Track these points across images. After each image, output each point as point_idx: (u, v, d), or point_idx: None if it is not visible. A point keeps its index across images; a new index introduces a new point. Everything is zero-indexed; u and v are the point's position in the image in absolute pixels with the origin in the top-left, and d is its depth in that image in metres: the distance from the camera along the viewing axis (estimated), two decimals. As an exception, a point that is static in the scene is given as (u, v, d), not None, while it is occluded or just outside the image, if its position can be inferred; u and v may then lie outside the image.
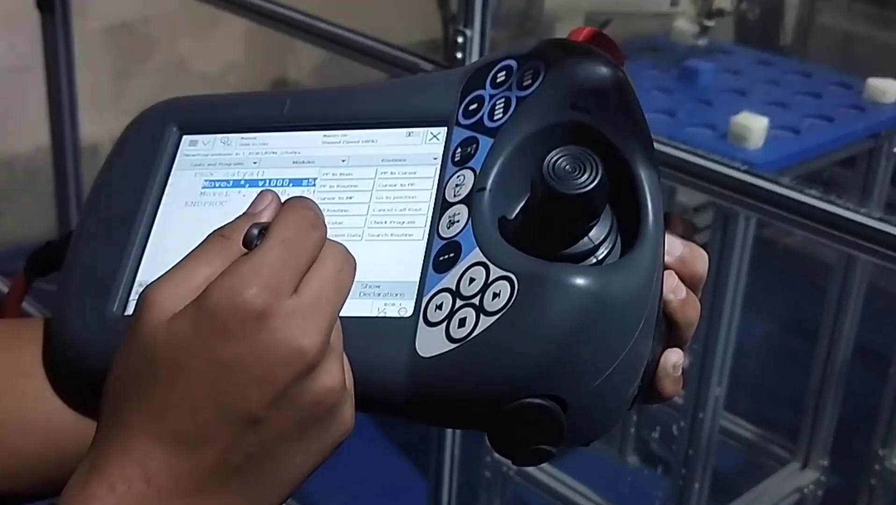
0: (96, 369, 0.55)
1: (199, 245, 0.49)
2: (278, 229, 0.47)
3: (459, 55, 1.48)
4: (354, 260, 0.50)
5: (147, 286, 0.47)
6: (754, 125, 1.62)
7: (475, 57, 1.48)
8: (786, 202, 1.32)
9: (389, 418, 0.52)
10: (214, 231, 0.49)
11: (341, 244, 0.49)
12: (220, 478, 0.45)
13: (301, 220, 0.48)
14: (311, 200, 0.50)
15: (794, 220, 1.33)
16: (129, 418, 0.46)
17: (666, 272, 0.52)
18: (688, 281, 0.53)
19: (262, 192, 0.51)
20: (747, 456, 2.30)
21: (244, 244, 0.47)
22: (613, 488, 2.15)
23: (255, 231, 0.47)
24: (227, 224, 0.49)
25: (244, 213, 0.50)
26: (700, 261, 0.53)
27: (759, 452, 2.28)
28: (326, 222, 0.50)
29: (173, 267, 0.48)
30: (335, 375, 0.46)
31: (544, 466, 2.10)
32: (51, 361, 0.57)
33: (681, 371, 0.53)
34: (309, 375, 0.45)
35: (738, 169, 1.35)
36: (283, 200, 0.50)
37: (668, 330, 0.53)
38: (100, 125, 2.78)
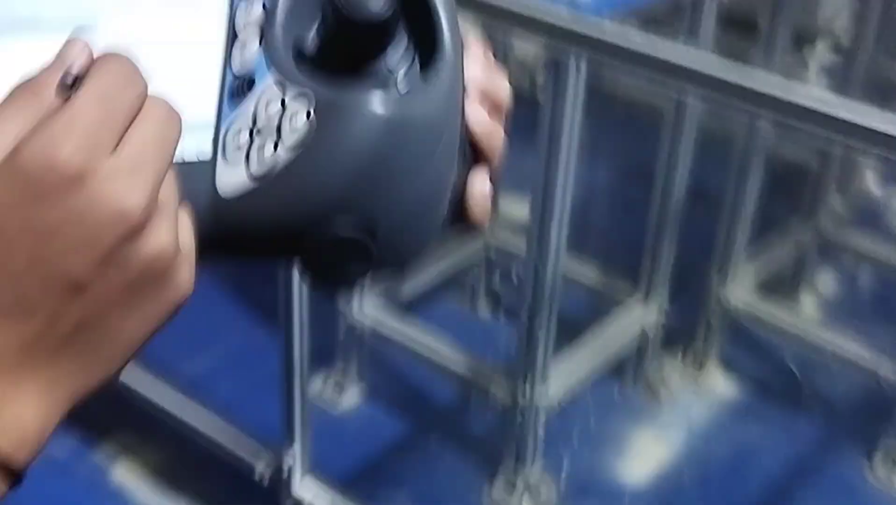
0: None
1: (3, 100, 0.45)
2: (93, 83, 0.44)
3: None
4: (179, 115, 0.47)
5: None
6: (581, -27, 1.64)
7: None
8: (614, 46, 1.35)
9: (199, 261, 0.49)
10: (20, 83, 0.45)
11: (164, 99, 0.46)
12: (48, 349, 0.43)
13: (118, 75, 0.45)
14: (128, 57, 0.46)
15: (623, 64, 1.36)
16: None
17: (468, 99, 0.52)
18: (490, 108, 0.53)
19: (71, 39, 0.47)
20: (591, 298, 2.39)
21: (58, 91, 0.44)
22: (466, 340, 2.22)
23: (69, 81, 0.44)
24: (35, 76, 0.45)
25: (52, 63, 0.46)
26: (502, 90, 0.54)
27: (602, 294, 2.38)
28: None
29: None
30: (164, 236, 0.44)
31: (398, 323, 2.15)
32: None
33: (489, 198, 0.54)
34: (135, 238, 0.43)
35: (565, 15, 1.37)
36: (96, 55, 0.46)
37: (474, 157, 0.54)
38: None
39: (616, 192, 2.89)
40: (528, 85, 2.74)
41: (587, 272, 2.39)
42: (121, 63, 0.46)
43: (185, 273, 0.45)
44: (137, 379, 1.94)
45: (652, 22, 2.35)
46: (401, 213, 0.49)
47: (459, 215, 0.54)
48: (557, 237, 1.83)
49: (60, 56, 0.46)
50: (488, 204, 0.54)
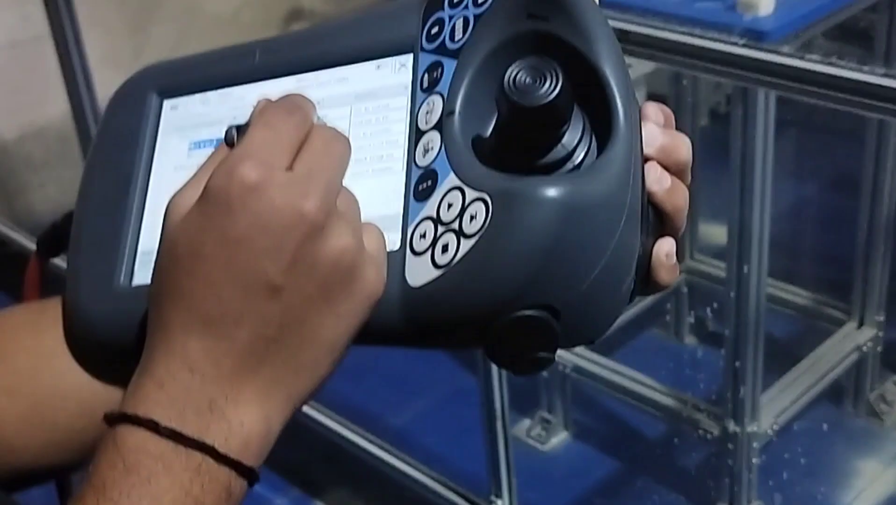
0: (112, 341, 0.57)
1: (207, 159, 0.51)
2: (259, 115, 0.50)
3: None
4: (346, 137, 0.51)
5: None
6: (761, -10, 1.59)
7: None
8: (802, 75, 1.28)
9: (388, 347, 0.53)
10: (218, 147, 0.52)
11: (329, 126, 0.51)
12: (259, 353, 0.47)
13: (282, 105, 0.50)
14: (295, 94, 0.52)
15: (817, 93, 1.29)
16: (165, 316, 0.48)
17: (649, 164, 0.52)
18: (672, 169, 0.53)
19: (258, 102, 0.52)
20: (802, 322, 2.30)
21: (226, 141, 0.50)
22: (673, 372, 2.18)
23: (234, 130, 0.50)
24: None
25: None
26: (683, 148, 0.53)
27: (813, 317, 2.29)
28: None
29: (187, 181, 0.51)
30: (345, 236, 0.48)
31: (602, 358, 2.13)
32: (69, 338, 0.60)
33: (675, 259, 0.54)
34: (317, 237, 0.47)
35: (743, 45, 1.31)
36: None
37: (658, 220, 0.53)
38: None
39: (819, 206, 2.77)
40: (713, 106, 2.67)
41: (796, 295, 2.30)
42: (285, 100, 0.51)
43: (373, 271, 0.49)
44: (348, 432, 1.99)
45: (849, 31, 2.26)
46: (585, 292, 0.49)
47: (646, 278, 0.54)
48: (758, 262, 1.78)
49: (249, 118, 0.52)
50: (675, 265, 0.54)
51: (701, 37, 1.31)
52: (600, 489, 2.08)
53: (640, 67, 2.41)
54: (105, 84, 2.21)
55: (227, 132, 0.50)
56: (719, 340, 2.10)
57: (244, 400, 0.48)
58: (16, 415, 0.60)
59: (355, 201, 0.50)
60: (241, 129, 0.50)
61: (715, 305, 2.30)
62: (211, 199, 0.47)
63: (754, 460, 1.92)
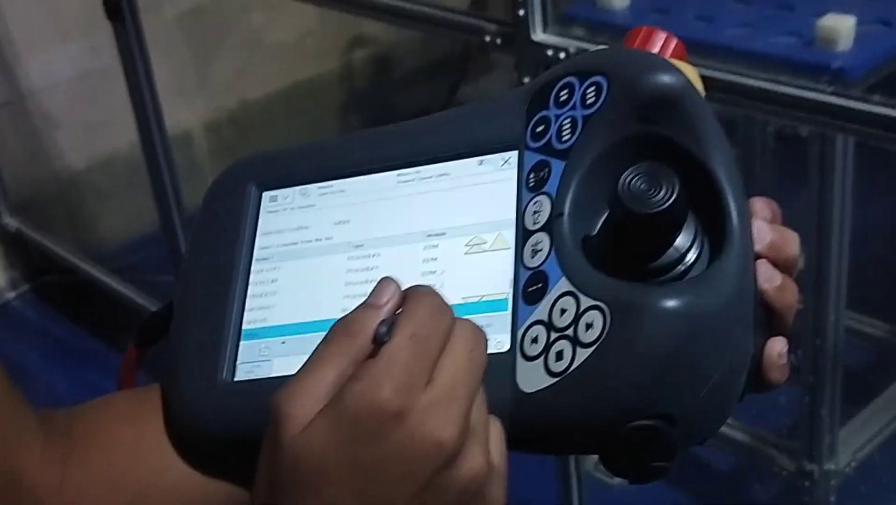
0: (214, 436, 0.57)
1: (322, 344, 0.48)
2: (406, 324, 0.47)
3: (521, 12, 1.47)
4: (485, 335, 0.49)
5: (277, 395, 0.47)
6: (841, 26, 1.56)
7: (537, 13, 1.47)
8: (884, 121, 1.26)
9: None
10: (336, 326, 0.48)
11: (470, 321, 0.49)
12: None
13: (427, 311, 0.48)
14: (433, 288, 0.49)
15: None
16: None
17: (759, 262, 0.52)
18: (781, 265, 0.52)
19: (382, 280, 0.50)
20: (881, 354, 2.26)
21: (374, 342, 0.47)
22: (746, 407, 2.14)
23: (384, 329, 0.47)
24: (349, 318, 0.49)
25: (365, 304, 0.49)
26: (791, 243, 0.53)
27: (893, 349, 2.24)
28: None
29: (300, 371, 0.48)
30: (477, 460, 0.46)
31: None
32: (170, 432, 0.59)
33: (786, 358, 0.53)
34: (451, 466, 0.46)
35: (823, 91, 1.29)
36: (403, 290, 0.49)
37: (768, 318, 0.53)
38: (189, 112, 2.83)
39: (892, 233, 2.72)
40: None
41: (874, 327, 2.26)
42: (429, 298, 0.48)
43: (498, 489, 0.48)
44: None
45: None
46: (701, 400, 0.49)
47: (756, 377, 0.53)
48: (836, 294, 1.75)
49: (374, 295, 0.49)
50: (786, 365, 0.53)
51: (788, 84, 1.29)
52: (672, 527, 2.06)
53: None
54: (171, 112, 2.23)
55: (377, 330, 0.47)
56: (795, 374, 2.07)
57: None
58: None
59: (485, 408, 0.48)
60: (389, 331, 0.47)
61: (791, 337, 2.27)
62: (346, 422, 0.45)
63: (832, 498, 1.89)
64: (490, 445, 0.48)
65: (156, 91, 2.11)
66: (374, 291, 0.49)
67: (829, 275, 1.72)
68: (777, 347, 0.52)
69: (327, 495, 0.46)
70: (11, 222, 2.82)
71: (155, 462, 0.60)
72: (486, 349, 0.49)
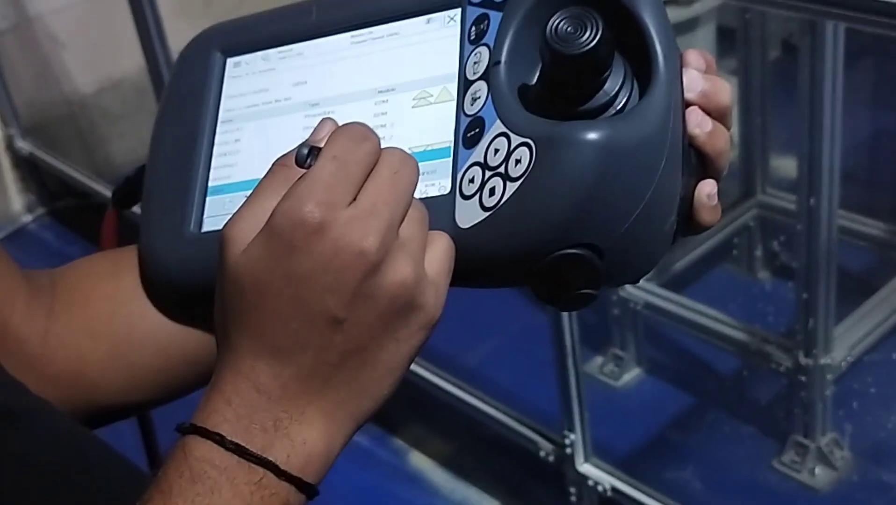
0: (184, 285, 0.61)
1: (263, 177, 0.53)
2: (328, 148, 0.51)
3: None
4: (414, 159, 0.53)
5: (224, 225, 0.52)
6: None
7: None
8: (870, 5, 1.26)
9: None
10: (276, 161, 0.53)
11: (398, 149, 0.53)
12: (321, 377, 0.50)
13: (349, 136, 0.52)
14: (362, 123, 0.53)
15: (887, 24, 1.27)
16: (233, 341, 0.51)
17: (690, 108, 0.54)
18: (713, 113, 0.55)
19: (322, 120, 0.54)
20: (877, 254, 2.28)
21: (297, 163, 0.51)
22: (744, 306, 2.17)
23: (305, 151, 0.51)
24: (288, 154, 0.53)
25: (304, 141, 0.53)
26: (723, 92, 0.55)
27: (888, 249, 2.26)
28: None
29: (244, 202, 0.52)
30: (403, 270, 0.50)
31: (673, 294, 2.13)
32: (145, 283, 0.64)
33: (716, 200, 0.56)
34: (376, 273, 0.49)
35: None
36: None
37: (701, 163, 0.55)
38: (193, 34, 2.84)
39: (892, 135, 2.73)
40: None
41: (870, 226, 2.28)
42: (353, 127, 0.52)
43: (431, 298, 0.51)
44: (424, 372, 2.03)
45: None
46: (627, 231, 0.52)
47: (688, 220, 0.56)
48: (829, 193, 1.76)
49: (314, 133, 0.54)
50: (717, 207, 0.56)
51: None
52: (673, 424, 2.10)
53: (709, 1, 2.39)
54: (176, 36, 2.25)
55: (298, 152, 0.52)
56: (792, 274, 2.10)
57: (307, 420, 0.50)
58: (98, 356, 0.64)
59: (422, 222, 0.52)
60: (311, 152, 0.51)
61: (786, 238, 2.29)
62: (275, 238, 0.49)
63: (827, 392, 1.92)
64: (427, 258, 0.51)
65: (159, 13, 2.12)
66: (313, 130, 0.54)
67: (821, 170, 1.73)
68: (706, 188, 0.55)
69: (267, 306, 0.50)
70: (24, 146, 2.86)
71: (131, 313, 0.64)
72: (416, 171, 0.53)
